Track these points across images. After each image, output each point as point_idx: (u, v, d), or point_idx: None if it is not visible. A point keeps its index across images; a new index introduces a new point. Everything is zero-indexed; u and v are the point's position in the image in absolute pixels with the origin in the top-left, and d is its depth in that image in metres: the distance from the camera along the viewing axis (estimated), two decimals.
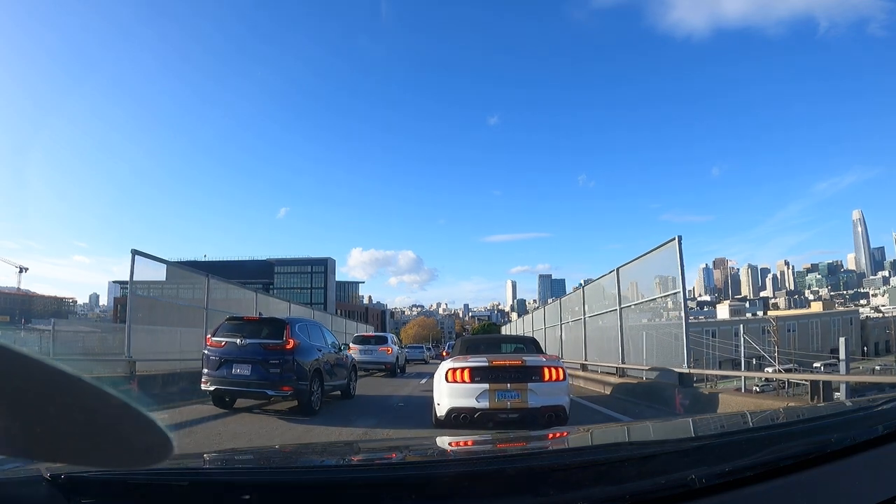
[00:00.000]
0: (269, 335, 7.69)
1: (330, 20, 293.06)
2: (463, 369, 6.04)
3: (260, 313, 9.12)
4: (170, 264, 11.19)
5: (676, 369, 8.21)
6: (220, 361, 7.46)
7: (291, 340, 7.62)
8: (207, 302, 11.82)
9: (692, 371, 8.17)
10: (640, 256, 10.14)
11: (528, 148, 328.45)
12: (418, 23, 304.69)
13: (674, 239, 8.51)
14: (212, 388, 7.49)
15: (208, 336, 8.04)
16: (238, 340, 7.55)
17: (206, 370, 7.56)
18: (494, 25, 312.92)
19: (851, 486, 1.14)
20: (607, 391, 10.79)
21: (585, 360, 13.80)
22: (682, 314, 8.49)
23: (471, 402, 5.87)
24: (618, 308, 11.13)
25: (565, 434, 2.34)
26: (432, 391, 6.57)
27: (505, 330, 40.86)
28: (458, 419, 5.88)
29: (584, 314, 14.17)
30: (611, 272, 11.66)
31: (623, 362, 10.78)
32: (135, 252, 9.69)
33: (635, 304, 10.63)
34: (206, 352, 7.75)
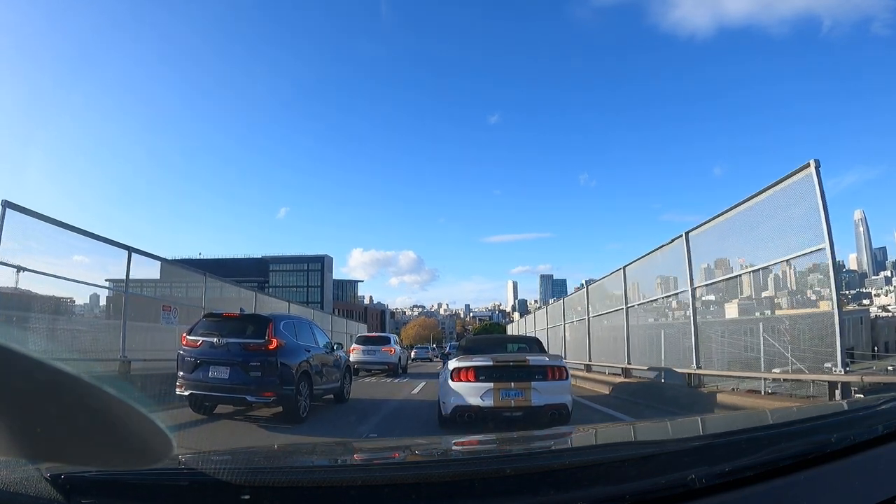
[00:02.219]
0: (250, 334, 7.09)
1: (330, 20, 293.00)
2: (468, 369, 6.19)
3: (242, 309, 8.37)
4: (50, 221, 7.71)
5: (832, 376, 5.43)
6: (196, 363, 6.86)
7: (275, 340, 7.00)
8: (127, 285, 9.85)
9: (873, 379, 5.40)
10: (739, 205, 6.98)
11: (528, 147, 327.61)
12: (418, 22, 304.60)
13: (808, 165, 5.64)
14: (187, 393, 6.88)
15: (184, 334, 7.38)
16: (215, 339, 6.94)
17: (181, 372, 6.97)
18: (494, 24, 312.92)
19: (851, 486, 1.14)
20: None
21: (628, 363, 11.02)
22: (833, 293, 5.48)
23: (476, 401, 6.01)
24: (689, 289, 8.26)
25: (565, 434, 2.34)
26: (434, 394, 6.52)
27: (511, 329, 40.46)
28: (464, 417, 6.02)
29: (625, 303, 11.23)
30: (677, 238, 8.74)
31: (699, 367, 8.03)
32: (6, 204, 6.79)
33: (757, 270, 6.99)
34: (180, 352, 7.13)
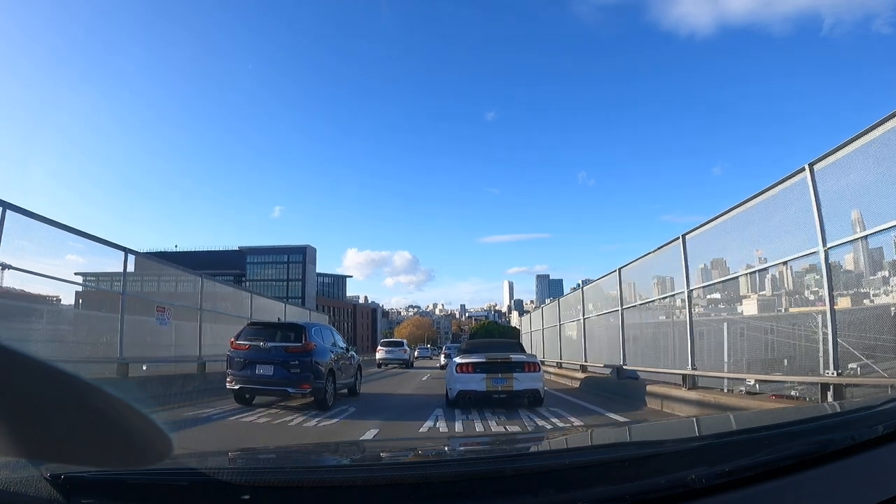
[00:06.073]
0: (289, 338, 8.67)
1: (327, 17, 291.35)
2: (468, 364, 8.53)
3: (279, 318, 10.28)
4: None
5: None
6: (245, 363, 8.39)
7: (310, 343, 8.57)
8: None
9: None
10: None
11: (526, 144, 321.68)
12: (413, 17, 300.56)
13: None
14: (236, 387, 8.46)
15: (231, 339, 8.93)
16: (261, 343, 8.49)
17: (230, 370, 8.52)
18: (491, 19, 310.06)
19: (851, 486, 1.14)
20: None
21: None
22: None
23: (473, 386, 8.33)
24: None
25: (565, 434, 2.35)
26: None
27: (523, 327, 41.31)
28: (465, 398, 8.36)
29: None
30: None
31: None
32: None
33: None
34: (230, 353, 8.66)
